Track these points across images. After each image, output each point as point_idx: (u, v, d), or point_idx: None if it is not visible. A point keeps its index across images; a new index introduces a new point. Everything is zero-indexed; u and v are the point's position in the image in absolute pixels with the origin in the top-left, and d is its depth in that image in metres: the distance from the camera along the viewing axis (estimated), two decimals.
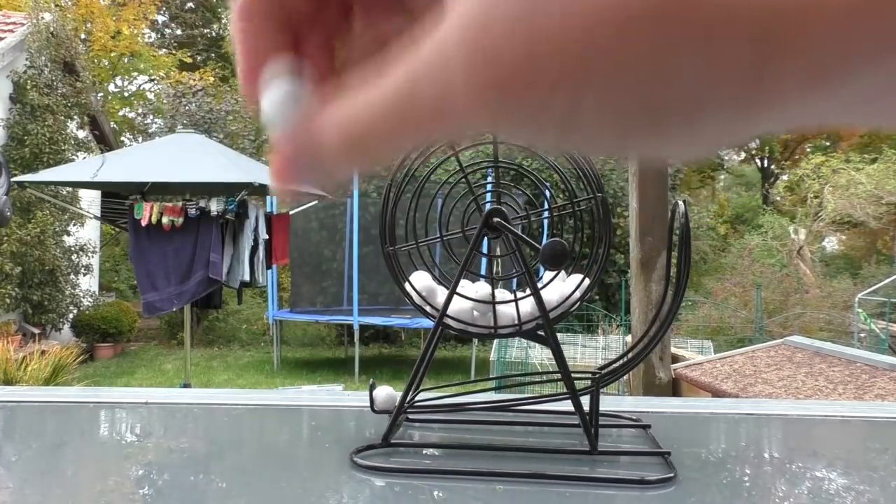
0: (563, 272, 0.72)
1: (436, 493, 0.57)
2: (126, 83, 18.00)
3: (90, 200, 9.60)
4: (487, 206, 0.68)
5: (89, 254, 9.52)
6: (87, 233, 9.95)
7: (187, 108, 11.23)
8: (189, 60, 17.27)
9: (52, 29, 9.10)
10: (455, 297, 0.68)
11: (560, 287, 0.71)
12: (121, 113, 16.80)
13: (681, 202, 0.74)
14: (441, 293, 0.71)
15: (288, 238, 6.84)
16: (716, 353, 4.55)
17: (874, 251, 18.88)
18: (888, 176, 12.06)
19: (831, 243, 20.47)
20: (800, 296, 10.57)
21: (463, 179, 0.70)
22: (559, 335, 0.68)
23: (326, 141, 0.19)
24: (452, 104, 0.16)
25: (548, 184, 0.94)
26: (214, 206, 5.26)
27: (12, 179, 5.40)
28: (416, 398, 0.70)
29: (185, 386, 5.95)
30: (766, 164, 25.81)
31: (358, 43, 0.24)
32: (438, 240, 0.74)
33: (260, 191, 5.69)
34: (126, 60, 15.94)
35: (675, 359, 3.87)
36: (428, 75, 0.16)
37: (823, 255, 17.17)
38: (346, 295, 9.80)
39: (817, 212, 12.84)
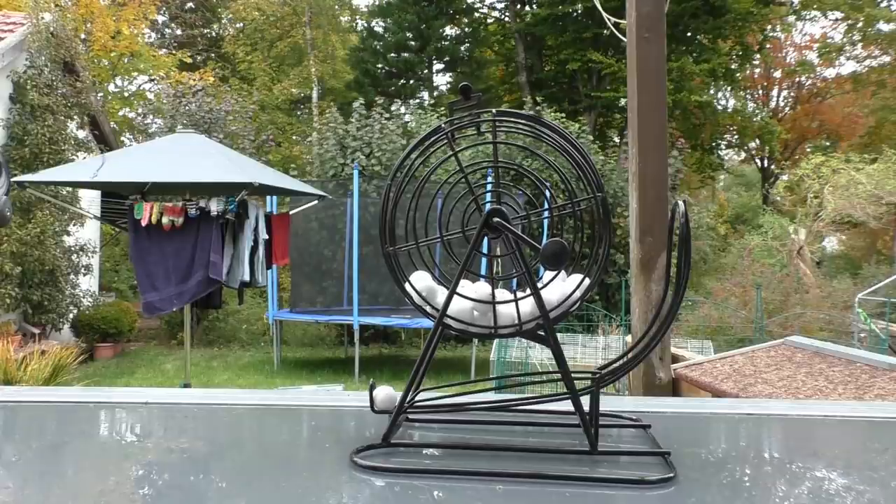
0: (563, 272, 0.72)
1: (436, 493, 0.57)
2: (126, 83, 18.00)
3: (90, 200, 9.60)
4: (487, 207, 0.68)
5: (89, 254, 9.52)
6: (87, 233, 9.95)
7: (187, 108, 11.22)
8: (189, 60, 17.29)
9: (52, 29, 9.09)
10: (455, 297, 0.68)
11: (560, 287, 0.71)
12: (121, 113, 16.80)
13: (681, 202, 0.74)
14: (441, 293, 0.71)
15: (288, 238, 6.84)
16: (716, 353, 4.55)
17: (874, 251, 18.87)
18: (888, 176, 12.05)
19: (831, 243, 20.46)
20: (800, 296, 10.56)
21: (463, 179, 0.70)
22: (559, 335, 0.68)
23: None
24: None
25: (548, 184, 0.94)
26: (214, 206, 5.25)
27: (12, 179, 5.40)
28: (416, 398, 0.69)
29: (185, 386, 5.95)
30: (766, 165, 25.81)
31: None
32: (438, 240, 0.74)
33: (260, 191, 5.68)
34: (126, 60, 15.94)
35: (675, 359, 3.86)
36: None
37: (823, 255, 17.16)
38: (346, 295, 9.80)
39: (817, 212, 12.83)
